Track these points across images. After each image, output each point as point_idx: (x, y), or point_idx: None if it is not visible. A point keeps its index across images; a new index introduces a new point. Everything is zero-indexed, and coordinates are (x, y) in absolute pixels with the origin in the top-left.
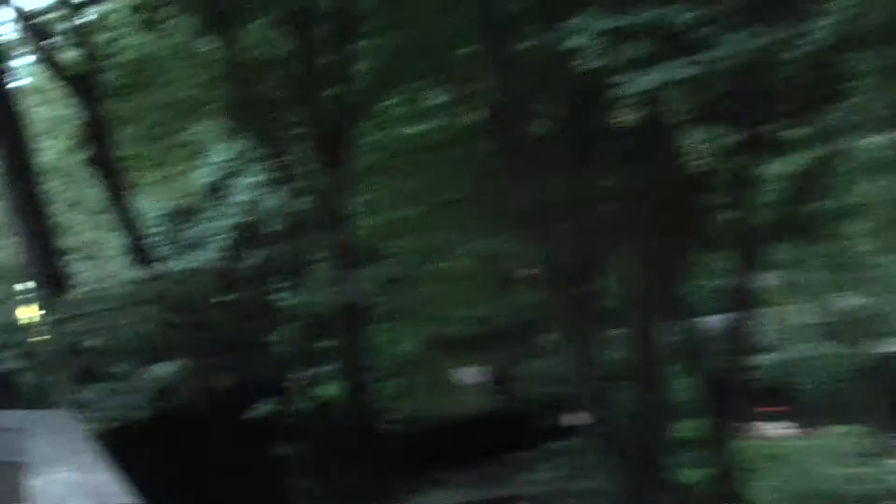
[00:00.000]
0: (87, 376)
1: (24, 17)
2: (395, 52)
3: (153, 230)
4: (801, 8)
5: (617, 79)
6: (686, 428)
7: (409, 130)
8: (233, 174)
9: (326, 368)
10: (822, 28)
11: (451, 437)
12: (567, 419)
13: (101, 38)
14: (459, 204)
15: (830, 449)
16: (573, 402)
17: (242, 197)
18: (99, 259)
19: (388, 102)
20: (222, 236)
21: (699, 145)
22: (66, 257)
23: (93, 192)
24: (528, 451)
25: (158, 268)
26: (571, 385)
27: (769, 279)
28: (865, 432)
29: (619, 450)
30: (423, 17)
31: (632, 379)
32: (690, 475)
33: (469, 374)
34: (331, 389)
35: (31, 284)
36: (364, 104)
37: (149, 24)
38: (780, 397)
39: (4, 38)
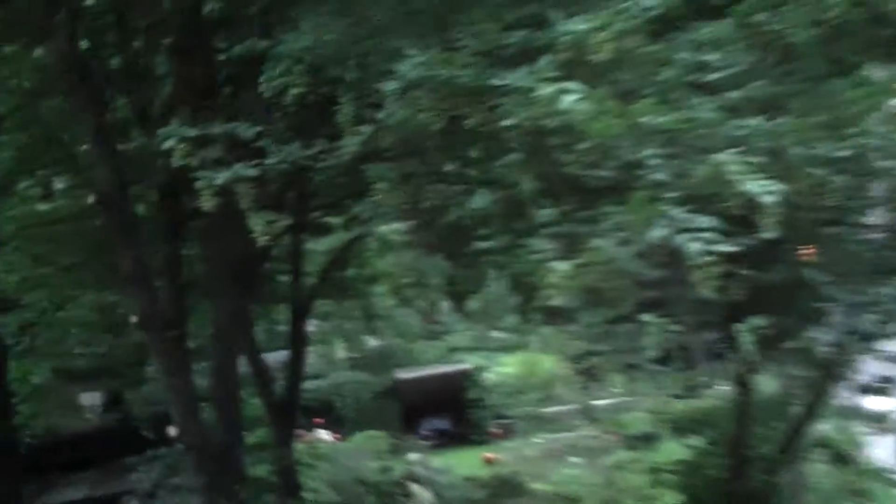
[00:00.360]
0: None
1: None
2: (28, 146)
3: None
4: (337, 128)
5: (200, 174)
6: (256, 435)
7: (40, 207)
8: None
9: None
10: (351, 145)
11: (76, 448)
12: (168, 432)
13: None
14: (80, 266)
15: (360, 449)
16: (171, 419)
17: None
18: None
19: (24, 184)
20: None
21: (263, 226)
22: None
23: None
24: (135, 458)
25: None
26: (168, 405)
27: (316, 326)
28: (384, 436)
29: (203, 454)
30: (50, 120)
31: (213, 400)
32: (259, 470)
33: (90, 398)
34: None
35: None
36: (5, 185)
37: None
38: (324, 412)
39: None
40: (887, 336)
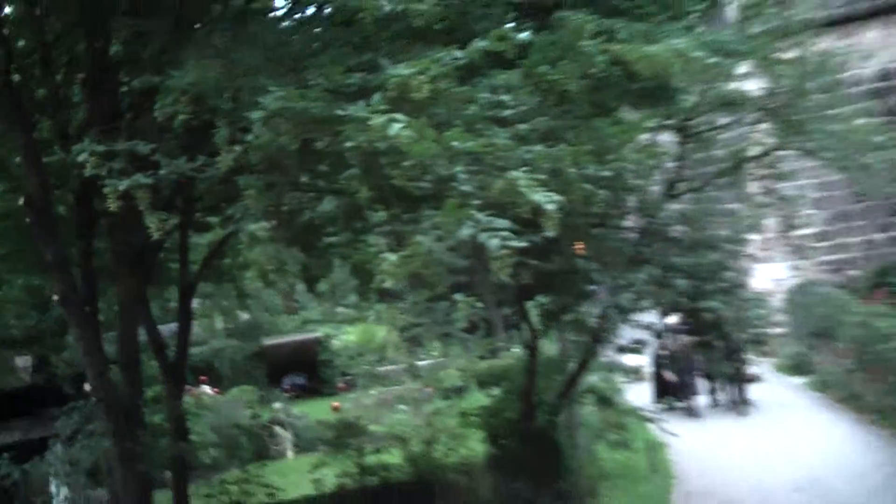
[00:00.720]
0: None
1: None
2: None
3: None
4: (215, 147)
5: (107, 181)
6: (153, 391)
7: None
8: None
9: None
10: (226, 160)
11: (11, 401)
12: (84, 388)
13: None
14: (13, 255)
15: (235, 400)
16: (86, 378)
17: None
18: None
19: None
20: None
21: (157, 224)
22: None
23: None
24: (59, 409)
25: None
26: (84, 367)
27: (199, 303)
28: (254, 390)
29: (111, 406)
30: None
31: (119, 362)
32: (156, 419)
33: (22, 361)
34: None
35: None
36: None
37: None
38: (207, 371)
39: None
40: (640, 309)
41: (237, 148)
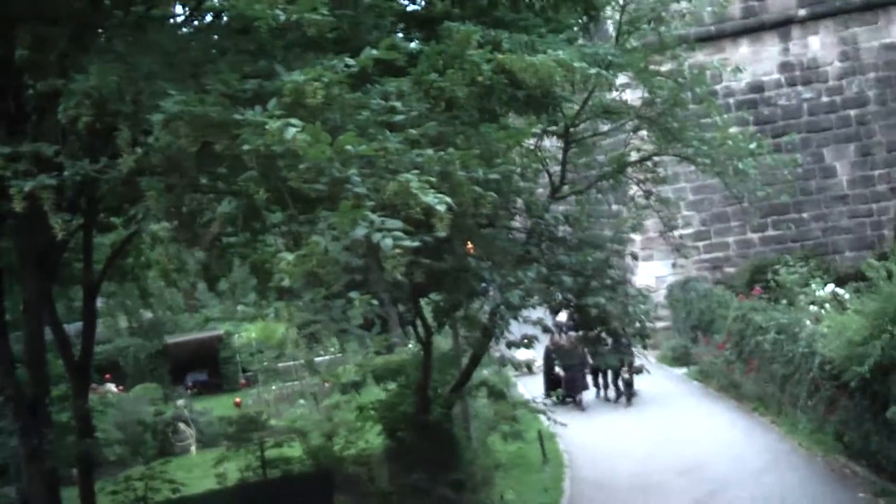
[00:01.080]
0: None
1: None
2: None
3: None
4: (117, 149)
5: (12, 182)
6: (59, 389)
7: None
8: None
9: None
10: (127, 162)
11: None
12: None
13: None
14: None
15: (139, 397)
16: None
17: None
18: None
19: None
20: None
21: (61, 224)
22: None
23: None
24: None
25: None
26: None
27: (103, 302)
28: (157, 387)
29: (19, 404)
30: None
31: (26, 361)
32: (62, 417)
33: None
34: None
35: None
36: None
37: None
38: (111, 369)
39: None
40: (529, 306)
41: (138, 150)
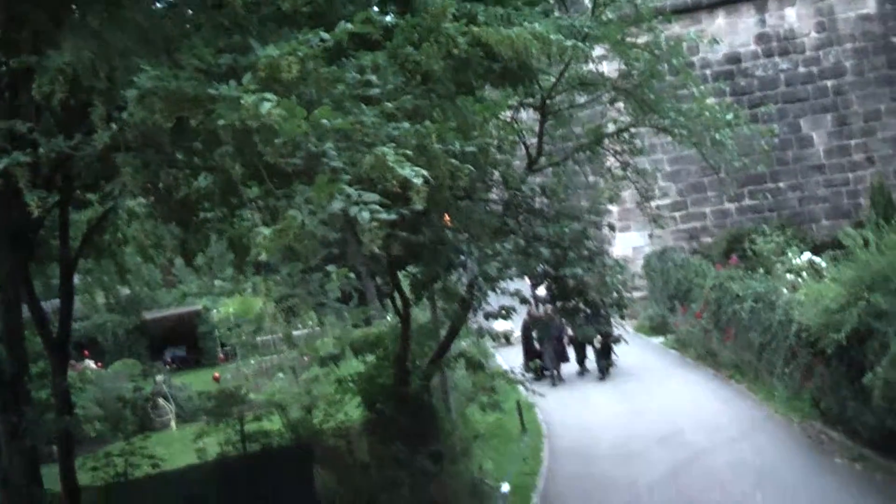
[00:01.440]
0: None
1: None
2: None
3: None
4: (92, 125)
5: None
6: (37, 367)
7: None
8: None
9: None
10: (102, 138)
11: None
12: None
13: None
14: None
15: (118, 374)
16: None
17: None
18: None
19: None
20: None
21: (37, 201)
22: None
23: None
24: None
25: None
26: None
27: (81, 279)
28: (136, 363)
29: None
30: None
31: (3, 339)
32: (42, 394)
33: None
34: None
35: None
36: None
37: None
38: (90, 346)
39: None
40: (506, 278)
41: (113, 126)
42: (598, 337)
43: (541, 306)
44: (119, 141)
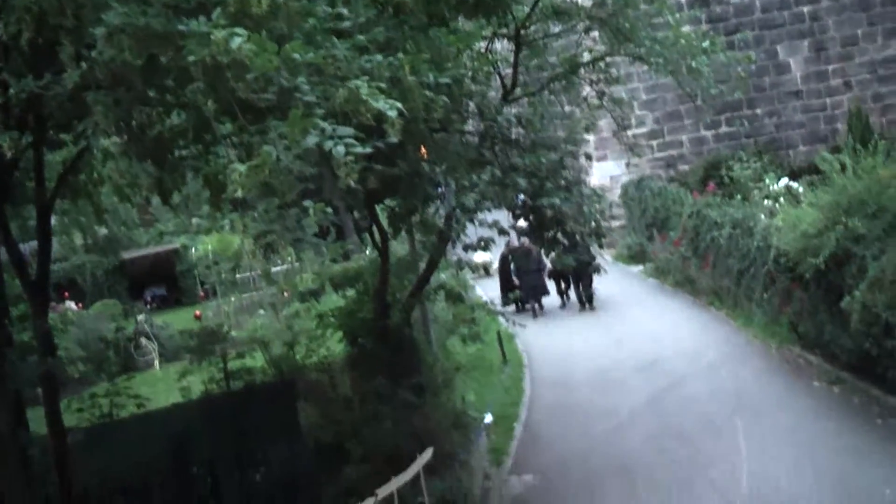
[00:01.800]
0: None
1: None
2: None
3: None
4: (62, 64)
5: None
6: (18, 309)
7: None
8: None
9: None
10: (72, 77)
11: None
12: None
13: None
14: None
15: (99, 314)
16: None
17: None
18: None
19: None
20: None
21: (10, 143)
22: None
23: None
24: None
25: None
26: None
27: (58, 220)
28: (116, 303)
29: None
30: None
31: None
32: (24, 337)
33: None
34: None
35: None
36: None
37: None
38: (70, 287)
39: None
40: (483, 209)
41: (83, 65)
42: (581, 266)
43: (520, 238)
44: (89, 80)
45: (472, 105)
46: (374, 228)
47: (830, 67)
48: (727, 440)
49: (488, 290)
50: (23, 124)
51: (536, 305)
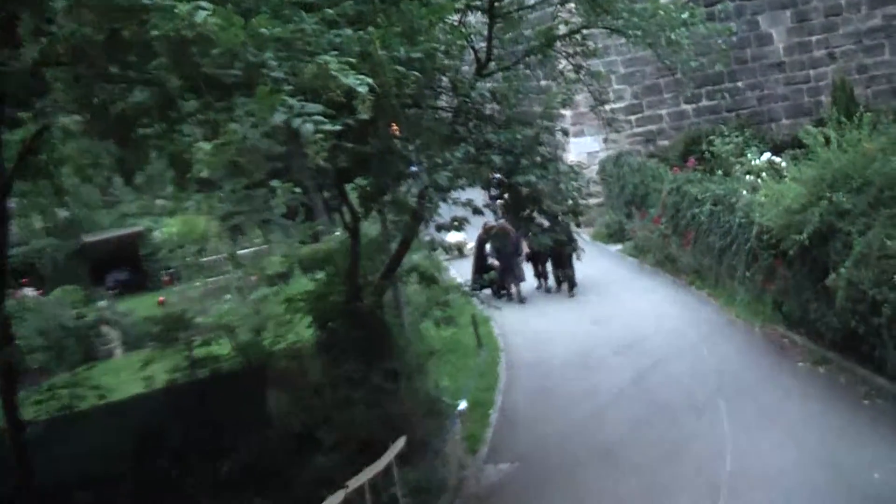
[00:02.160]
0: None
1: None
2: None
3: None
4: (20, 37)
5: None
6: None
7: None
8: None
9: None
10: (31, 52)
11: None
12: None
13: None
14: None
15: (60, 301)
16: None
17: None
18: None
19: None
20: None
21: None
22: None
23: None
24: None
25: None
26: None
27: (16, 202)
28: (78, 289)
29: None
30: None
31: None
32: None
33: None
34: None
35: None
36: None
37: None
38: (28, 273)
39: None
40: (457, 187)
41: (42, 40)
42: (559, 246)
43: (497, 219)
44: (49, 55)
45: (445, 80)
46: (345, 208)
47: (814, 38)
48: (710, 422)
49: (462, 272)
50: None
51: (516, 291)
